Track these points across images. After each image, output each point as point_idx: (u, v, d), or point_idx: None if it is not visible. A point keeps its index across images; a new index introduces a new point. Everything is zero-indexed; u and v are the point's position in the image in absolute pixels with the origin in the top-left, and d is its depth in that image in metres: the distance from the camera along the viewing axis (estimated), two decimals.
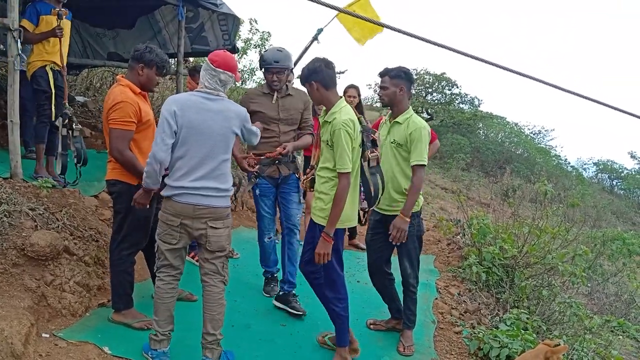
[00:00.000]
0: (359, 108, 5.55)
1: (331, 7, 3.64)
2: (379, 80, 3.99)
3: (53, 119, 4.84)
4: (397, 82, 3.84)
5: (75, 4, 5.21)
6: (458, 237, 6.96)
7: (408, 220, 3.76)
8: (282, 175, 4.28)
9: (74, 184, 4.62)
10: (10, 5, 4.25)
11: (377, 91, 3.97)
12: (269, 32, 11.82)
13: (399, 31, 3.55)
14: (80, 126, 4.66)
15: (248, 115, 3.30)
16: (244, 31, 11.36)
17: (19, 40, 4.33)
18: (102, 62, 8.34)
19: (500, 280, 5.59)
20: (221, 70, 3.12)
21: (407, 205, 3.75)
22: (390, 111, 4.03)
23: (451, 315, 4.82)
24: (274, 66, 4.13)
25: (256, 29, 11.79)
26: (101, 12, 6.83)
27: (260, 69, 4.34)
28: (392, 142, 3.89)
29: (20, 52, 4.35)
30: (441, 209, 11.30)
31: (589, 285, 7.32)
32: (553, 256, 5.51)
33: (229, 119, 3.14)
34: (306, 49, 7.56)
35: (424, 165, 3.78)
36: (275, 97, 4.23)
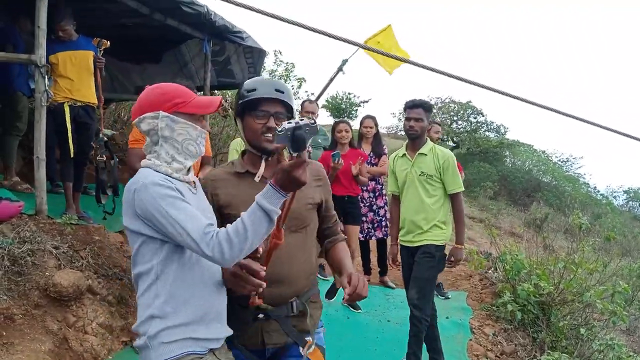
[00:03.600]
0: (376, 137, 5.86)
1: (353, 44, 3.59)
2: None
3: (72, 155, 4.81)
4: (429, 115, 3.91)
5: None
6: (490, 271, 6.73)
7: (463, 248, 3.90)
8: (271, 348, 2.02)
9: (110, 214, 4.65)
10: (38, 42, 4.26)
11: (409, 122, 3.91)
12: (292, 64, 11.90)
13: (420, 66, 3.48)
14: (117, 158, 4.71)
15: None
16: (268, 63, 11.49)
17: (46, 76, 4.33)
18: (129, 97, 8.41)
19: (536, 319, 5.35)
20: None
21: (460, 234, 3.88)
22: (408, 144, 4.02)
23: (487, 358, 4.59)
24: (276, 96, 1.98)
25: (280, 61, 11.89)
26: (127, 47, 6.89)
27: (240, 113, 2.03)
28: (420, 175, 3.85)
29: (47, 88, 4.35)
30: (469, 239, 11.05)
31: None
32: (591, 294, 5.25)
33: None
34: (332, 79, 7.54)
35: (462, 191, 3.88)
36: (260, 172, 1.99)
